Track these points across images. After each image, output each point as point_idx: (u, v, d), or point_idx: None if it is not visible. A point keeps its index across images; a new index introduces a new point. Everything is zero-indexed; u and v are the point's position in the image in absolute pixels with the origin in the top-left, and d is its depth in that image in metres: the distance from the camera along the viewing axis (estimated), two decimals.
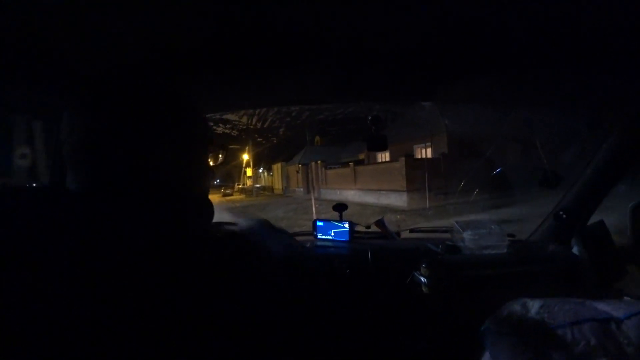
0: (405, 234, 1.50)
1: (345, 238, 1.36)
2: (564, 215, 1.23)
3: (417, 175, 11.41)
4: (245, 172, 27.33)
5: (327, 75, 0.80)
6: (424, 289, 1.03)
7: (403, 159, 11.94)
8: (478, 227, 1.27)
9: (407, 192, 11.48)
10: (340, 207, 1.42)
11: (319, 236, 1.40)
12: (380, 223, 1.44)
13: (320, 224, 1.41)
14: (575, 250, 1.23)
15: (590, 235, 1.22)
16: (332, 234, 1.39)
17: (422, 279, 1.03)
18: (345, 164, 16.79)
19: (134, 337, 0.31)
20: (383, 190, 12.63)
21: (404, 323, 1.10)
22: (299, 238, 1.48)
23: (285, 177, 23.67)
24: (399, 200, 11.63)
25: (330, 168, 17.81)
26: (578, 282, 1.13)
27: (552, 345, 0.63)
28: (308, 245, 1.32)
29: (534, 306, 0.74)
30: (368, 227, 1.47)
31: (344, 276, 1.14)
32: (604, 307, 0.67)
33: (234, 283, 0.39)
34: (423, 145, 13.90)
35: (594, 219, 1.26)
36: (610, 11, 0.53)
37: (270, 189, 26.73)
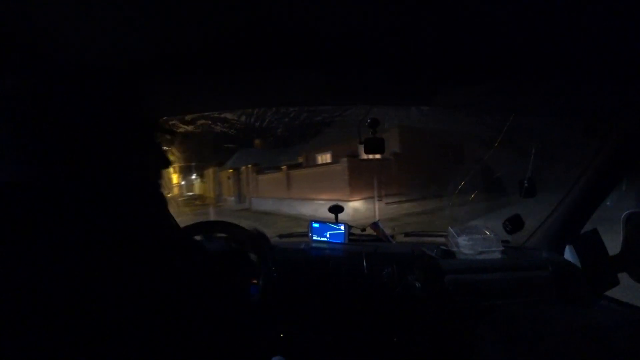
0: (400, 238, 1.51)
1: (341, 240, 1.36)
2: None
3: (363, 181, 9.17)
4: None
5: (324, 76, 0.80)
6: (418, 292, 1.03)
7: (345, 159, 9.41)
8: (473, 233, 1.27)
9: (350, 203, 8.78)
10: (336, 209, 1.43)
11: (314, 237, 1.40)
12: (375, 226, 1.45)
13: (315, 225, 1.41)
14: (568, 257, 1.24)
15: (584, 243, 1.22)
16: (328, 235, 1.38)
17: (416, 282, 1.03)
18: (278, 168, 13.83)
19: (75, 326, 0.30)
20: (321, 200, 9.60)
21: (396, 325, 1.10)
22: (294, 239, 1.48)
23: (218, 184, 20.08)
24: (341, 212, 8.85)
25: (264, 173, 14.89)
26: (570, 289, 1.13)
27: (543, 353, 0.63)
28: (303, 246, 1.32)
29: (525, 313, 0.74)
30: (363, 229, 1.47)
31: (339, 277, 1.14)
32: (596, 315, 0.68)
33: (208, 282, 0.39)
34: None
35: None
36: (608, 21, 0.53)
37: (203, 197, 21.92)
